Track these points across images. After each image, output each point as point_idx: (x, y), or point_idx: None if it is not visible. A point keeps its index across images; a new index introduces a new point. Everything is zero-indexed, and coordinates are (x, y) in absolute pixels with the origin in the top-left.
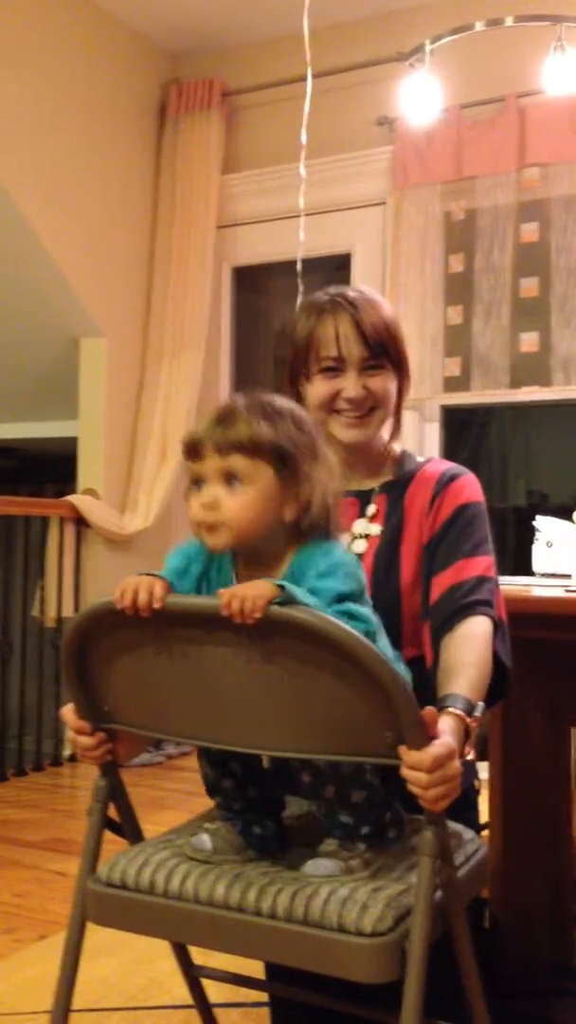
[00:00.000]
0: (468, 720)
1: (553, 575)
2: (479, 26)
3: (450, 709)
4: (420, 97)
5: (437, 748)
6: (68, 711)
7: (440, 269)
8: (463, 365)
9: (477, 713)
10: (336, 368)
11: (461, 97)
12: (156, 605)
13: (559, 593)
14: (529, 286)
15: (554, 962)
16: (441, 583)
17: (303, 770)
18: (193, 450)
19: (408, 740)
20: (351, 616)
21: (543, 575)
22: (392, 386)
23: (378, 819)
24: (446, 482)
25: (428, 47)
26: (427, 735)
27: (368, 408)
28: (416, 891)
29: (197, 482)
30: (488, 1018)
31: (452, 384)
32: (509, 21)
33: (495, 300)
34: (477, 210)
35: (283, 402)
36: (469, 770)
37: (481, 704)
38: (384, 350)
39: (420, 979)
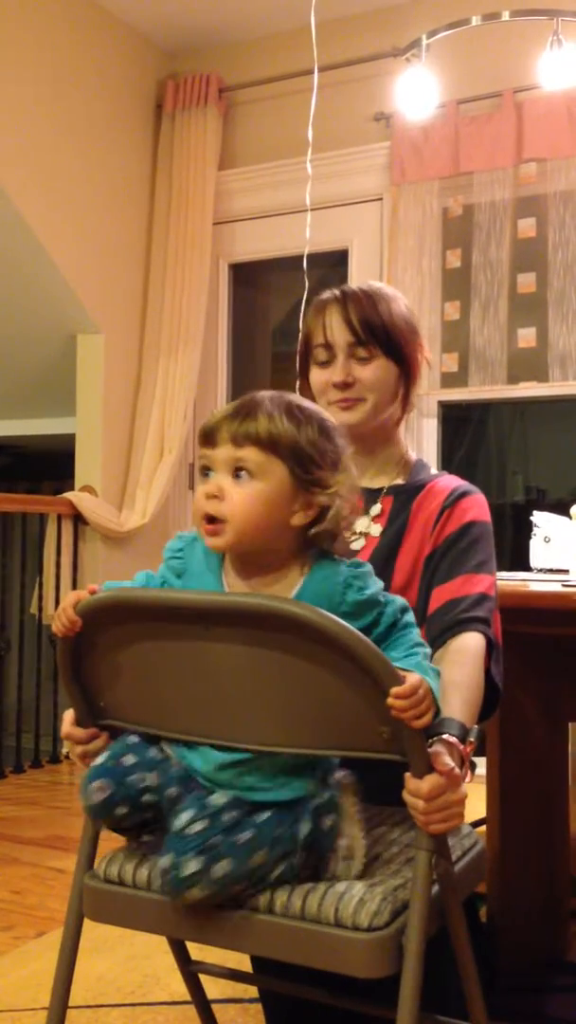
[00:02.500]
0: (462, 747)
1: (551, 570)
2: (475, 21)
3: (445, 736)
4: (417, 92)
5: (434, 779)
6: (67, 720)
7: (437, 265)
8: (460, 361)
9: (471, 738)
10: (328, 358)
11: (458, 92)
12: (71, 633)
13: (557, 588)
14: (526, 282)
15: (550, 957)
16: (442, 595)
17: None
18: (208, 436)
19: (411, 767)
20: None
21: (540, 570)
22: (386, 376)
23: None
24: (456, 498)
25: (424, 42)
26: (428, 763)
27: (356, 394)
28: (412, 886)
29: (206, 471)
30: (485, 1013)
31: (449, 380)
32: (506, 16)
33: (492, 296)
34: (474, 206)
35: (314, 408)
36: None
37: (475, 728)
38: (374, 338)
39: (417, 974)
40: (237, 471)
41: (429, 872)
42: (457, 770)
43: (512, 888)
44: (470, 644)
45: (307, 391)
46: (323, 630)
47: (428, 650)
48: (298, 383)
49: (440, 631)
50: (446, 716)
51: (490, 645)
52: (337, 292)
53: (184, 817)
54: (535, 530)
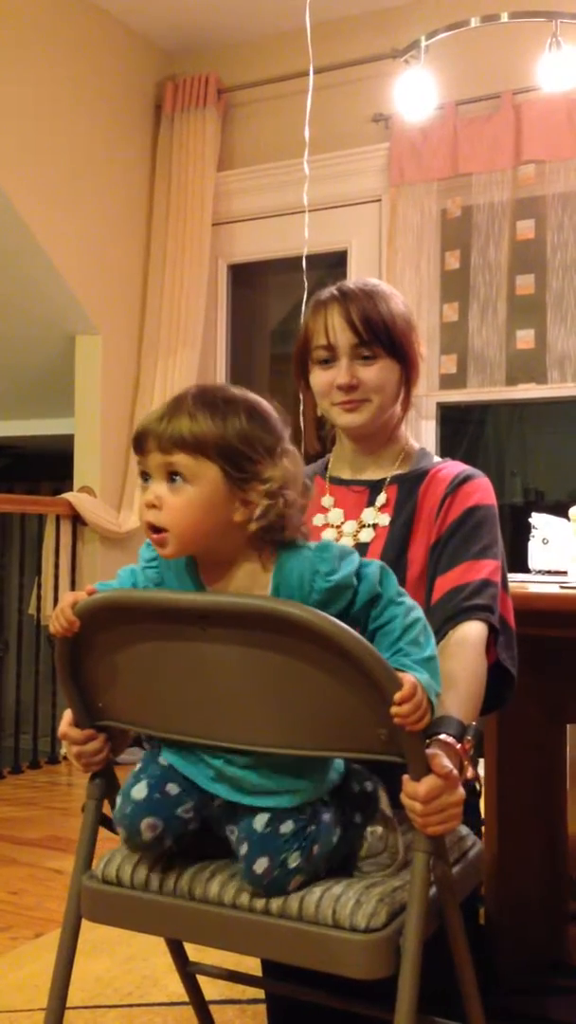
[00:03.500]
0: (459, 746)
1: (549, 572)
2: (474, 22)
3: (442, 736)
4: (415, 94)
5: (432, 781)
6: (65, 720)
7: (436, 266)
8: (459, 362)
9: (469, 736)
10: (330, 359)
11: (457, 94)
12: (68, 634)
13: (555, 590)
14: (525, 283)
15: (549, 958)
16: (444, 584)
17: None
18: (137, 443)
19: (409, 769)
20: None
21: (539, 572)
22: (389, 376)
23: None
24: (459, 483)
25: (423, 43)
26: (426, 765)
27: (361, 395)
28: (410, 887)
29: (145, 476)
30: (483, 1015)
31: (448, 381)
32: (504, 17)
33: (491, 297)
34: (473, 207)
35: (240, 394)
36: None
37: (473, 724)
38: (377, 339)
39: (414, 975)
40: (171, 476)
41: (427, 874)
42: (455, 772)
43: (511, 890)
44: (470, 634)
45: (306, 392)
46: (320, 631)
47: (415, 633)
48: (297, 386)
49: (442, 622)
50: (444, 714)
51: (496, 631)
52: (336, 291)
53: (262, 818)
54: (533, 532)
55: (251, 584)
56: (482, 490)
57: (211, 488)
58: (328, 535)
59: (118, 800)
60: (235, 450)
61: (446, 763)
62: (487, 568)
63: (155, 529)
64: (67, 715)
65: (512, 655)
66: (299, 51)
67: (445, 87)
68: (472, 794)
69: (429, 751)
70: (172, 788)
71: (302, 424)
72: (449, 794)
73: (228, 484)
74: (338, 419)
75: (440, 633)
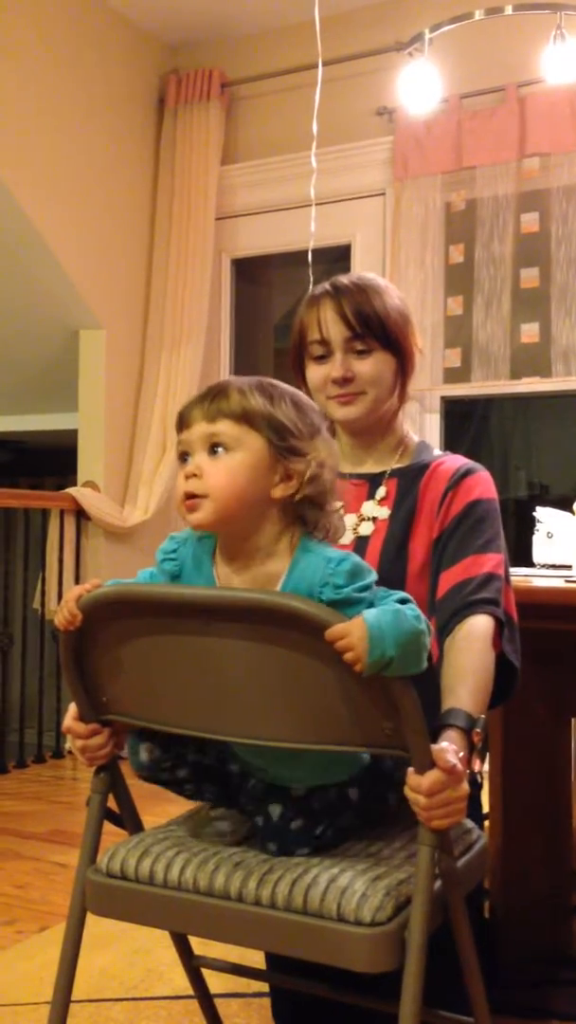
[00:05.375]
0: (469, 737)
1: (553, 566)
2: (478, 15)
3: (450, 729)
4: (419, 87)
5: (435, 775)
6: (70, 715)
7: (440, 260)
8: (463, 356)
9: (478, 728)
10: (324, 354)
11: (461, 87)
12: (72, 627)
13: (559, 584)
14: (529, 277)
15: (554, 951)
16: (449, 579)
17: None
18: (182, 420)
19: (413, 762)
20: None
21: (543, 566)
22: (384, 368)
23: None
24: (459, 477)
25: (427, 36)
26: (431, 759)
27: (356, 389)
28: (415, 881)
29: (184, 456)
30: (487, 1008)
31: (452, 375)
32: (508, 10)
33: (495, 291)
34: (477, 200)
35: (287, 387)
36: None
37: (482, 717)
38: (371, 331)
39: (419, 969)
40: (213, 447)
41: (431, 867)
42: (459, 766)
43: (516, 883)
44: (477, 628)
45: (303, 387)
46: (324, 625)
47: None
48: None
49: (448, 616)
50: (453, 706)
51: (501, 624)
52: (329, 286)
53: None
54: (538, 526)
55: (266, 575)
56: (484, 484)
57: (254, 456)
58: None
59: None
60: (280, 424)
61: (450, 758)
62: (491, 562)
63: (191, 497)
64: (72, 709)
65: (516, 648)
66: (302, 44)
67: (449, 80)
68: (473, 786)
69: (434, 745)
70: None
71: None
72: (454, 788)
73: (272, 454)
74: (334, 413)
75: (447, 627)
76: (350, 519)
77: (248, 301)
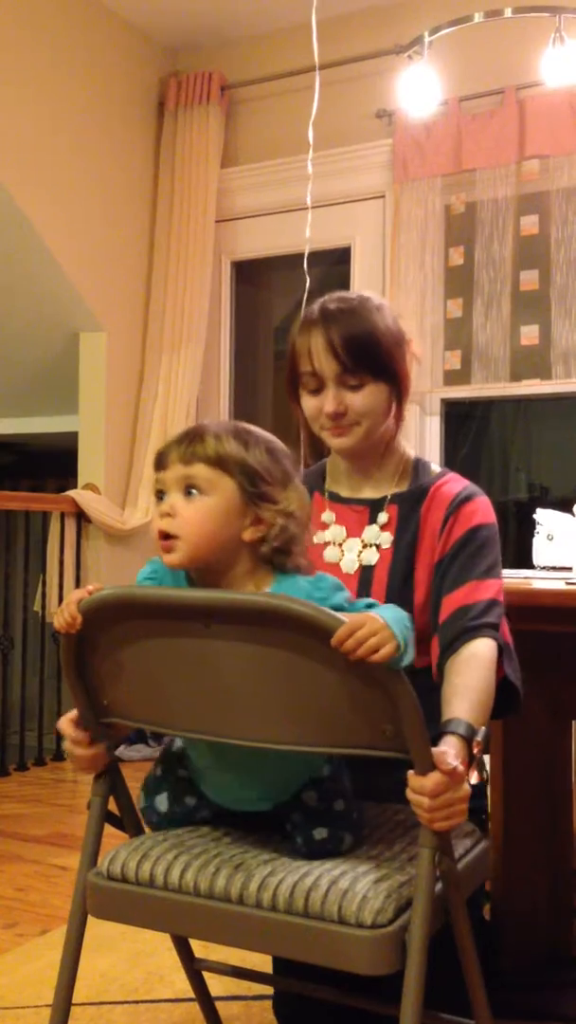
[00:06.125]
0: (470, 745)
1: (554, 568)
2: (478, 18)
3: (450, 735)
4: (419, 90)
5: (438, 776)
6: (66, 717)
7: (440, 262)
8: (463, 358)
9: (479, 738)
10: (317, 388)
11: (460, 89)
12: (72, 630)
13: (560, 586)
14: (529, 279)
15: (555, 954)
16: (451, 603)
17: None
18: (159, 461)
19: (415, 765)
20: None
21: (544, 568)
22: (377, 399)
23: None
24: (459, 503)
25: (427, 39)
26: (432, 761)
27: (349, 421)
28: (416, 883)
29: (160, 494)
30: (489, 1010)
31: (452, 377)
32: (508, 13)
33: (495, 293)
34: (477, 203)
35: (262, 433)
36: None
37: (484, 729)
38: (362, 364)
39: (420, 971)
40: (188, 489)
41: (432, 869)
42: (460, 768)
43: (517, 885)
44: (481, 650)
45: (300, 414)
46: (324, 627)
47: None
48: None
49: (452, 639)
50: (454, 716)
51: (501, 649)
52: (317, 314)
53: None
54: (538, 528)
55: None
56: (483, 509)
57: (226, 500)
58: (330, 553)
59: (141, 796)
60: (253, 470)
61: (451, 759)
62: (492, 588)
63: (165, 536)
64: (71, 713)
65: (515, 670)
66: (302, 47)
67: (448, 83)
68: (480, 798)
69: (435, 748)
70: (190, 800)
71: (302, 435)
72: (455, 790)
73: (243, 499)
74: (330, 443)
75: (450, 650)
76: (353, 544)
77: (248, 303)
